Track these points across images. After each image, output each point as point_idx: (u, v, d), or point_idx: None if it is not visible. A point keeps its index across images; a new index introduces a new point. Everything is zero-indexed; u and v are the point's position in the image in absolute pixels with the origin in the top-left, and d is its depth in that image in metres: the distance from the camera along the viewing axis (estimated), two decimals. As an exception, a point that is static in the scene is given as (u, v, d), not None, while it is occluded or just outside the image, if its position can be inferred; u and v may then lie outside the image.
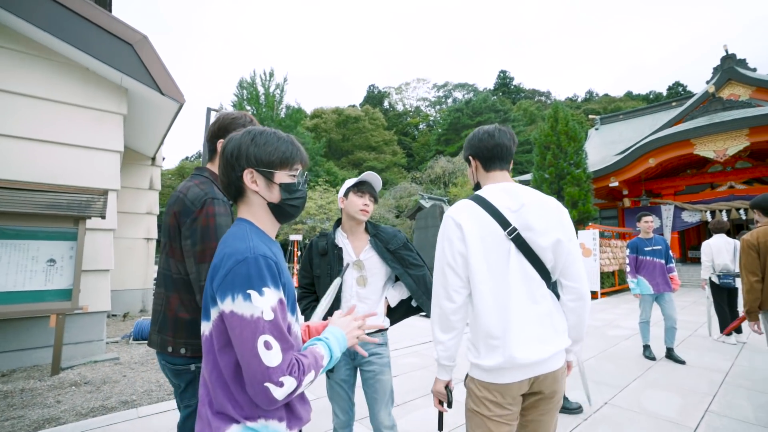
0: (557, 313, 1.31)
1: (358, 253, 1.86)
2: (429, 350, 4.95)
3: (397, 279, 1.98)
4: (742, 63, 15.42)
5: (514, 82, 60.95)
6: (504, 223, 1.26)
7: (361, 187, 1.85)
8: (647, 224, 4.68)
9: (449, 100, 57.25)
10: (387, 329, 1.92)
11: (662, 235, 13.96)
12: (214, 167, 1.53)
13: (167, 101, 5.04)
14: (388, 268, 1.89)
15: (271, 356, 0.82)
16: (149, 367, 4.15)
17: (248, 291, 0.83)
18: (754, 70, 15.71)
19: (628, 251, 4.81)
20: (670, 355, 4.48)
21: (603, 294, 10.79)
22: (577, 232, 6.27)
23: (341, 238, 1.89)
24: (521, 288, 1.25)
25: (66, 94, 4.46)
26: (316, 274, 1.87)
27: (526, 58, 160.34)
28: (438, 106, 58.32)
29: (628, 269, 4.77)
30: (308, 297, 1.93)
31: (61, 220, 3.90)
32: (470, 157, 1.47)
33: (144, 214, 7.72)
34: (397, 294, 1.94)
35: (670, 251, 4.73)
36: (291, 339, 0.88)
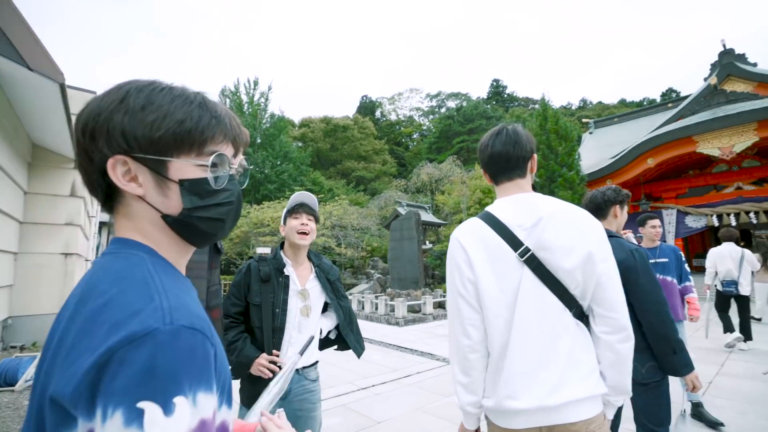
0: (584, 350, 1.08)
1: (303, 282, 1.83)
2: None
3: (323, 309, 1.96)
4: (742, 58, 14.51)
5: (508, 91, 60.40)
6: (515, 243, 1.09)
7: (295, 210, 1.82)
8: (654, 230, 3.57)
9: (442, 110, 56.45)
10: (318, 362, 1.88)
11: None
12: None
13: (42, 80, 3.98)
14: (324, 298, 1.89)
15: None
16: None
17: (144, 403, 0.38)
18: (755, 65, 14.83)
19: None
20: (699, 413, 3.16)
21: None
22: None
23: (288, 266, 1.82)
24: (534, 320, 1.06)
25: None
26: (256, 302, 1.75)
27: (519, 67, 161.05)
28: (431, 116, 57.61)
29: None
30: (236, 328, 1.75)
31: None
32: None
33: (63, 225, 6.58)
34: (328, 323, 1.93)
35: (686, 265, 3.53)
36: None
